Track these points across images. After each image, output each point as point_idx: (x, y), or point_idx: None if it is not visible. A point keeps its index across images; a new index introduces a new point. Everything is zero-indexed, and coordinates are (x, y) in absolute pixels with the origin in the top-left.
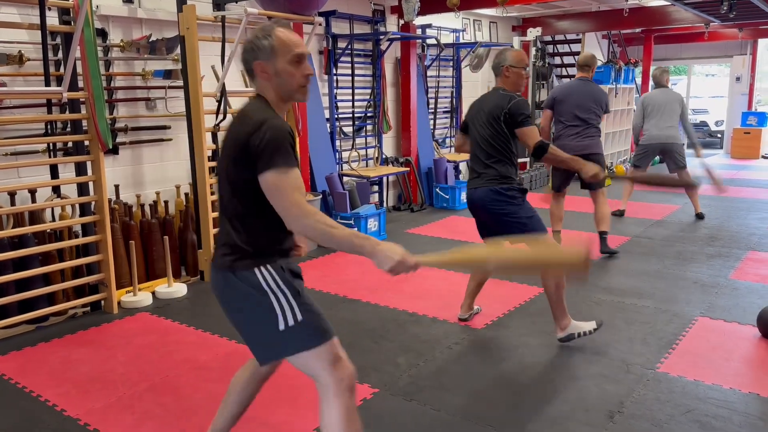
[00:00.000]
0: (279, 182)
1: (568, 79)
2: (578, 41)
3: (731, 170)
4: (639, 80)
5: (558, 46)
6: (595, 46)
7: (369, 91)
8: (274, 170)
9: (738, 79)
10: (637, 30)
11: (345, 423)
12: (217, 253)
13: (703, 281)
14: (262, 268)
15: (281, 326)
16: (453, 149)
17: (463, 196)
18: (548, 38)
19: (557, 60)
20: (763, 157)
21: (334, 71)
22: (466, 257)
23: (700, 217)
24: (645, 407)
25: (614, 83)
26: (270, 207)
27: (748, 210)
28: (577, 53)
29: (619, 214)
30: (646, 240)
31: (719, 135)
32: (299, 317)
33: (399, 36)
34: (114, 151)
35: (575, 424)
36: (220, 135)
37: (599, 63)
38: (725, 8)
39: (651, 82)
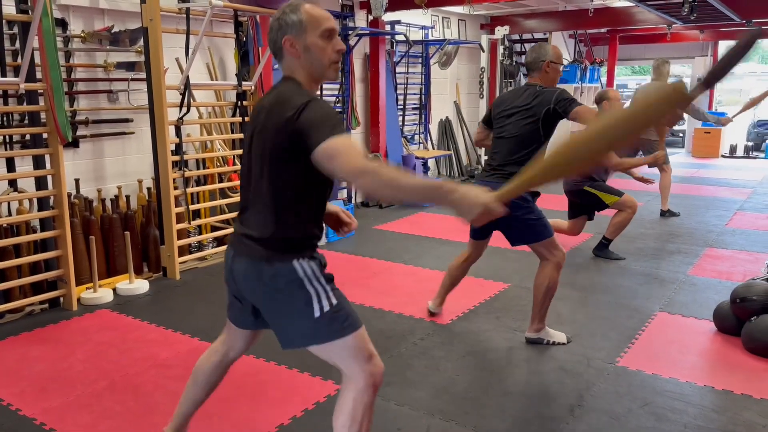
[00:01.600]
0: (337, 146)
1: None
2: (545, 40)
3: (692, 168)
4: (604, 79)
5: (525, 44)
6: (561, 46)
7: (337, 86)
8: (330, 138)
9: (699, 79)
10: (603, 30)
11: (363, 419)
12: (247, 241)
13: (662, 277)
14: (301, 260)
15: (316, 313)
16: (422, 146)
17: None
18: (516, 37)
19: (524, 58)
20: (723, 156)
21: None
22: (552, 162)
23: (664, 214)
24: (604, 401)
25: (580, 82)
26: (308, 200)
27: (707, 208)
28: None
29: None
30: None
31: (681, 134)
32: (333, 301)
33: (368, 32)
34: (74, 144)
35: (537, 418)
36: (184, 129)
37: (565, 62)
38: (686, 10)
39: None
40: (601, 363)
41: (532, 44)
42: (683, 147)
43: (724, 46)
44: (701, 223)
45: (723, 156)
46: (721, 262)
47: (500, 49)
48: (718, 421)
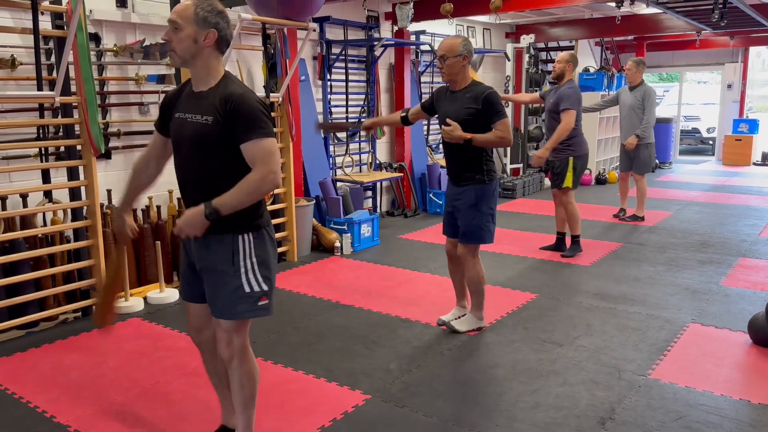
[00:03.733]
0: None
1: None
2: (571, 48)
3: (723, 177)
4: None
5: (551, 53)
6: (588, 53)
7: (363, 96)
8: None
9: (729, 86)
10: (630, 37)
11: None
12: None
13: (694, 288)
14: None
15: None
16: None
17: None
18: (541, 45)
19: (550, 67)
20: (755, 164)
21: (328, 77)
22: None
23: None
24: (636, 414)
25: (607, 90)
26: None
27: (739, 216)
28: None
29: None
30: (638, 246)
31: (711, 142)
32: None
33: (393, 42)
34: (106, 155)
35: (567, 431)
36: None
37: (591, 70)
38: (716, 17)
39: (636, 73)
40: (632, 375)
41: (558, 52)
42: (713, 155)
43: (755, 52)
44: (733, 232)
45: (755, 164)
46: (755, 273)
47: (525, 58)
48: None
